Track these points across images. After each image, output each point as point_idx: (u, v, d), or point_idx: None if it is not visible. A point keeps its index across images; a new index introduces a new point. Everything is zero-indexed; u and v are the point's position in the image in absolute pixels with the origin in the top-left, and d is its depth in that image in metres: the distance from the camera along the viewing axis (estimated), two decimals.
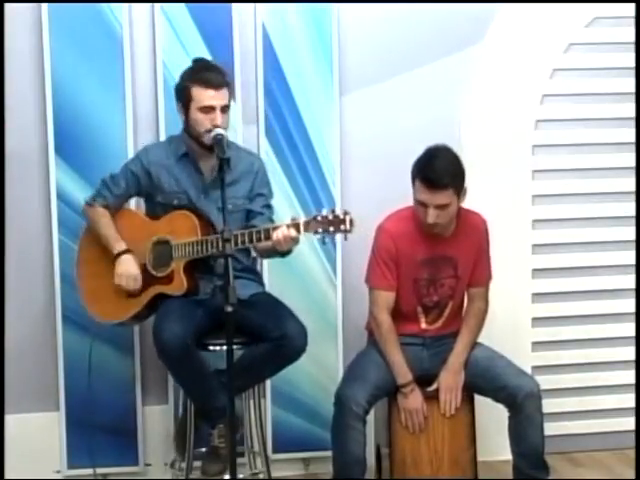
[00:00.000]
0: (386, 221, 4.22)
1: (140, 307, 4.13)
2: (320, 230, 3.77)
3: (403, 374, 4.19)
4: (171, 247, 4.06)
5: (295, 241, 3.85)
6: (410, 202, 4.15)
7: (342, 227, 3.77)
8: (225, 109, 4.04)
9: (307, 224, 3.80)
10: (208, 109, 4.00)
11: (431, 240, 4.18)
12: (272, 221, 4.11)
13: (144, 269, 4.11)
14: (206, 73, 4.03)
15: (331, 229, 3.77)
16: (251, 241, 3.88)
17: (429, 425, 4.23)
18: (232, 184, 4.08)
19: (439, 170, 4.02)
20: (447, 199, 4.03)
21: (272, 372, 4.18)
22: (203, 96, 4.00)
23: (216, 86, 4.01)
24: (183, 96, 4.05)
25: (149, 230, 4.13)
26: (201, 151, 4.06)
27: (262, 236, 3.86)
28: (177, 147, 4.15)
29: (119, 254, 4.10)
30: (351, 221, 3.76)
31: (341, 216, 3.77)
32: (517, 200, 4.79)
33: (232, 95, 4.14)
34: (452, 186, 4.03)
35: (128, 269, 4.08)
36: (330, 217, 3.77)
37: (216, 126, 3.98)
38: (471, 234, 4.23)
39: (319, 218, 3.78)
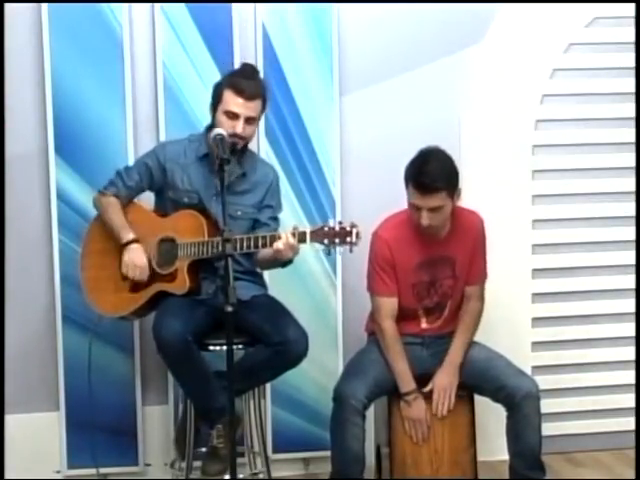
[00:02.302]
0: (380, 228, 4.21)
1: (141, 302, 4.13)
2: (326, 241, 3.79)
3: (407, 382, 4.18)
4: (177, 246, 4.06)
5: (292, 248, 3.85)
6: None
7: (348, 239, 3.78)
8: (250, 120, 4.04)
9: (314, 234, 3.82)
10: (232, 115, 4.00)
11: (427, 242, 4.17)
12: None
13: (148, 265, 4.10)
14: (242, 80, 4.03)
15: (337, 240, 3.78)
16: (256, 246, 3.88)
17: (429, 425, 4.23)
18: (245, 193, 4.11)
19: (431, 174, 4.01)
20: (440, 202, 4.03)
21: (272, 376, 4.19)
22: (231, 101, 4.00)
23: (247, 96, 4.00)
24: (215, 96, 4.06)
25: (156, 227, 4.13)
26: None
27: (267, 242, 3.86)
28: (199, 146, 4.14)
29: (127, 243, 4.09)
30: (357, 234, 3.78)
31: (348, 228, 3.79)
32: (517, 200, 4.78)
33: (265, 108, 4.13)
34: (445, 189, 4.02)
35: (135, 259, 4.06)
36: (337, 228, 3.79)
37: (235, 134, 3.98)
38: (467, 233, 4.23)
39: (326, 229, 3.80)
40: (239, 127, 4.00)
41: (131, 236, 4.09)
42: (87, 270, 4.26)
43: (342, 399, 4.09)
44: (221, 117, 4.02)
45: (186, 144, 4.18)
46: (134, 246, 4.08)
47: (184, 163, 4.13)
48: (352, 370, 4.22)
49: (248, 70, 4.13)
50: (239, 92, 4.00)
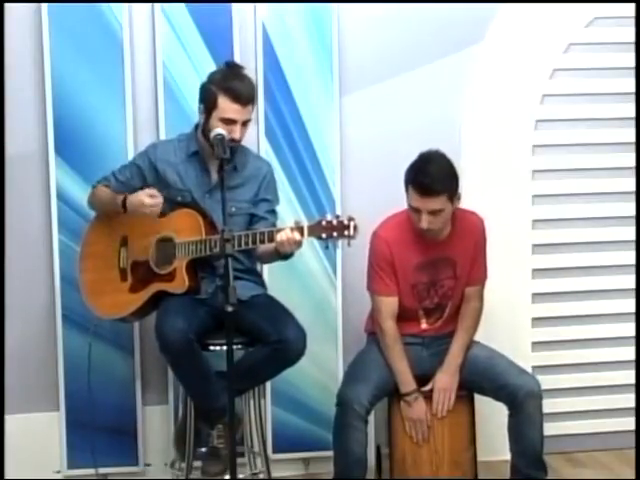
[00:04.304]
0: (380, 228, 4.21)
1: (140, 303, 4.13)
2: (324, 235, 3.78)
3: (407, 383, 4.19)
4: (174, 245, 4.06)
5: (298, 244, 3.85)
6: None
7: (346, 233, 3.78)
8: (246, 123, 4.03)
9: (311, 228, 3.81)
10: (230, 121, 3.98)
11: (427, 243, 4.18)
12: (275, 227, 4.09)
13: (147, 265, 4.11)
14: (237, 84, 3.98)
15: (335, 234, 3.78)
16: (254, 242, 3.88)
17: (429, 425, 4.23)
18: (238, 187, 4.10)
19: (432, 176, 4.01)
20: (440, 205, 4.03)
21: (271, 375, 4.19)
22: (228, 108, 3.97)
23: (244, 102, 3.98)
24: (208, 100, 4.01)
25: (154, 226, 4.13)
26: (212, 152, 4.02)
27: (265, 238, 3.86)
28: (188, 145, 4.15)
29: (124, 201, 4.07)
30: (355, 227, 3.78)
31: (345, 222, 3.78)
32: (517, 200, 4.78)
33: (255, 107, 4.11)
34: (445, 192, 4.02)
35: (140, 200, 4.02)
36: (334, 222, 3.78)
37: (233, 139, 3.97)
38: (468, 234, 4.23)
39: (323, 223, 3.79)
40: (237, 132, 3.99)
41: (121, 196, 4.09)
42: (85, 273, 4.27)
43: (345, 404, 4.09)
44: (217, 123, 3.98)
45: (175, 144, 4.18)
46: (130, 197, 4.06)
47: (174, 162, 4.14)
48: (354, 374, 4.22)
49: (238, 71, 4.08)
50: (236, 99, 3.96)
